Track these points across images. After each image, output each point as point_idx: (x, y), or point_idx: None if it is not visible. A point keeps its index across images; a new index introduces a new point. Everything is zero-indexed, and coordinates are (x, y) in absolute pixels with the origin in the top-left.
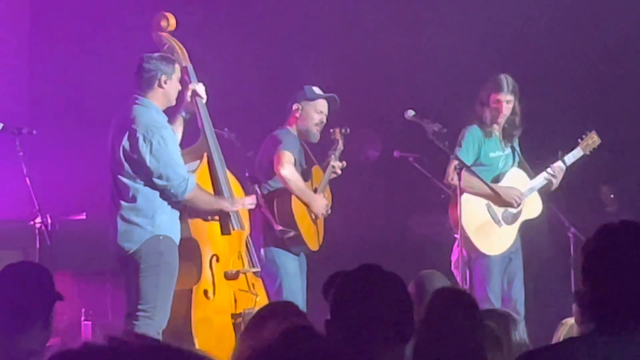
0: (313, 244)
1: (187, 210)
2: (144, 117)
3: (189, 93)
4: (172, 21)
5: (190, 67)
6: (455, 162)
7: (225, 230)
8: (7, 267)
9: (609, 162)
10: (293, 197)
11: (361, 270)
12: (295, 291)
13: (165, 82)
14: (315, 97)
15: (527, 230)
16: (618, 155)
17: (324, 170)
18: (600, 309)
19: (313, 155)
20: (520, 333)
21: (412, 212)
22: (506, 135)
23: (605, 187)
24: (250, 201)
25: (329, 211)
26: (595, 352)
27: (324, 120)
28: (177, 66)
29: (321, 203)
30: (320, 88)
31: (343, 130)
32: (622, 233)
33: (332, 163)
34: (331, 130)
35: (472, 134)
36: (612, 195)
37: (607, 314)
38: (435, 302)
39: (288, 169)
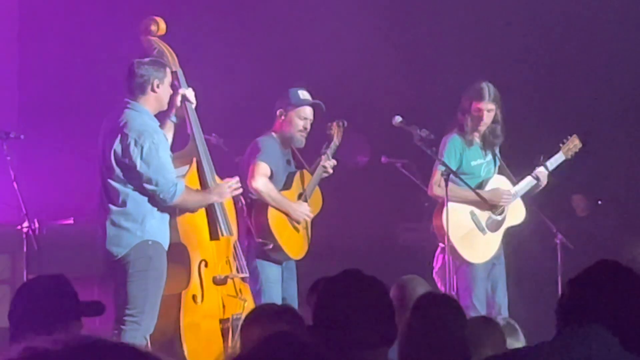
0: (295, 252)
1: (176, 215)
2: (136, 122)
3: (179, 98)
4: (162, 25)
5: (180, 71)
6: (440, 171)
7: (214, 235)
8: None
9: (589, 166)
10: (270, 208)
11: (342, 276)
12: (274, 298)
13: (157, 87)
14: (299, 104)
15: (514, 237)
16: (599, 160)
17: (314, 171)
18: (563, 315)
19: (303, 155)
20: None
21: (399, 218)
22: (487, 143)
23: (578, 195)
24: (234, 182)
25: (315, 212)
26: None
27: (308, 127)
28: (168, 70)
29: (300, 209)
30: (308, 90)
31: (341, 124)
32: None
33: (322, 163)
34: (328, 124)
35: (453, 143)
36: (585, 202)
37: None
38: (420, 305)
39: (260, 181)
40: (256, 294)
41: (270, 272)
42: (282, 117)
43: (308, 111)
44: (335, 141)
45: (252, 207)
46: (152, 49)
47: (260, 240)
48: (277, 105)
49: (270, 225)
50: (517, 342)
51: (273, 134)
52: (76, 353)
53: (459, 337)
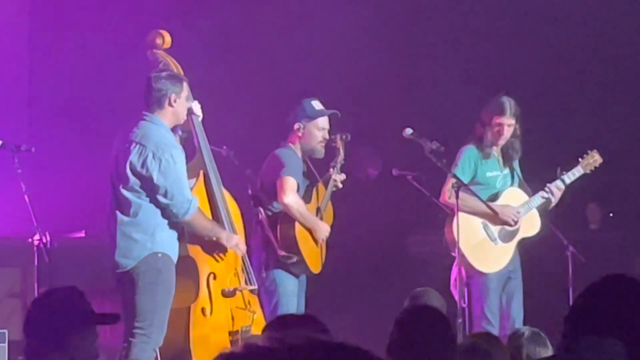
0: (315, 266)
1: (185, 229)
2: (154, 134)
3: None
4: (167, 39)
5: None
6: (452, 181)
7: (222, 247)
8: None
9: (601, 179)
10: (296, 222)
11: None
12: (291, 311)
13: (174, 101)
14: (316, 115)
15: (525, 249)
16: (611, 174)
17: (325, 185)
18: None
19: (314, 166)
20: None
21: (411, 230)
22: (505, 157)
23: (592, 205)
24: (243, 248)
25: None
26: None
27: (327, 136)
28: (185, 84)
29: (324, 228)
30: (319, 100)
31: (344, 137)
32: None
33: (333, 177)
34: (332, 137)
35: (468, 153)
36: (599, 214)
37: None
38: (405, 320)
39: (291, 197)
40: (273, 307)
41: (289, 285)
42: (301, 131)
43: (325, 121)
44: (342, 154)
45: (276, 221)
46: (158, 62)
47: (283, 253)
48: (292, 118)
49: (297, 239)
50: (545, 350)
51: (291, 145)
52: (297, 352)
53: (443, 352)
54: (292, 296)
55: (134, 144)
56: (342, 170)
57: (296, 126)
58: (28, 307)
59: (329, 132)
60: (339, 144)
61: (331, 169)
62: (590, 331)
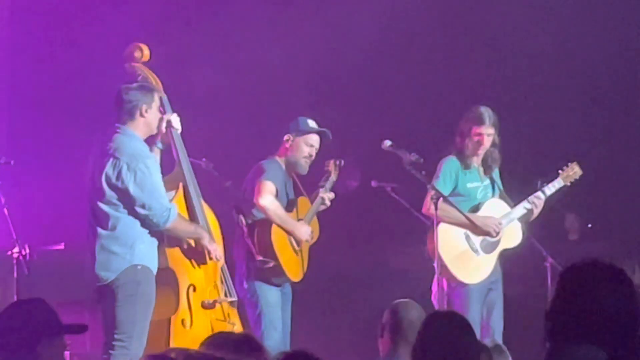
0: (294, 274)
1: (165, 240)
2: (127, 146)
3: (164, 124)
4: (146, 52)
5: (164, 97)
6: (432, 192)
7: (201, 259)
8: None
9: (581, 190)
10: (273, 227)
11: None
12: (275, 321)
13: (146, 111)
14: (307, 130)
15: (504, 260)
16: (590, 185)
17: (312, 201)
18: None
19: (303, 184)
20: None
21: (390, 242)
22: (485, 167)
23: (571, 215)
24: (221, 255)
25: (313, 239)
26: None
27: (313, 154)
28: (156, 95)
29: (303, 230)
30: (316, 121)
31: (337, 162)
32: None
33: (321, 194)
34: (325, 162)
35: (449, 165)
36: (579, 224)
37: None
38: (429, 325)
39: (267, 199)
40: (256, 318)
41: (270, 296)
42: (289, 143)
43: (315, 139)
44: (333, 177)
45: (254, 227)
46: (136, 75)
47: (260, 258)
48: (284, 131)
49: (273, 243)
50: None
51: (277, 158)
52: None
53: (471, 354)
54: (274, 306)
55: (107, 157)
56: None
57: (286, 137)
58: None
59: (317, 152)
60: (332, 168)
61: (320, 188)
62: (569, 335)
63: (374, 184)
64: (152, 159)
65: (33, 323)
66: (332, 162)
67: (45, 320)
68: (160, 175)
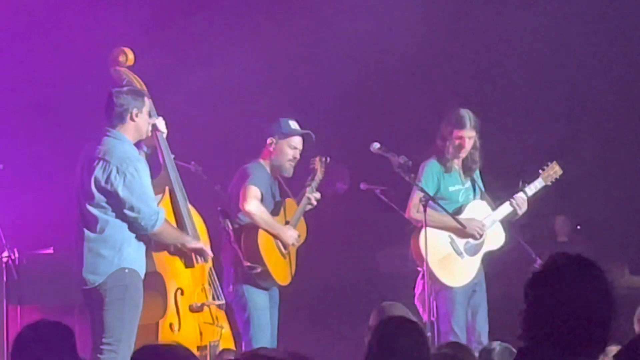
0: (282, 278)
1: (152, 244)
2: (117, 150)
3: (150, 128)
4: (131, 56)
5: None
6: (420, 195)
7: (188, 263)
8: (27, 327)
9: (569, 191)
10: (260, 232)
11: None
12: (264, 325)
13: (136, 116)
14: (290, 133)
15: (493, 262)
16: (579, 186)
17: (299, 202)
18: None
19: (289, 184)
20: None
21: (379, 244)
22: (465, 169)
23: (561, 217)
24: (208, 253)
25: (300, 241)
26: None
27: (297, 156)
28: (147, 99)
29: (290, 233)
30: (297, 122)
31: (323, 159)
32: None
33: (307, 194)
34: (311, 159)
35: (431, 168)
36: (568, 226)
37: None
38: (382, 331)
39: (252, 204)
40: (245, 321)
41: (258, 299)
42: (273, 146)
43: (298, 141)
44: (319, 175)
45: (240, 232)
46: (121, 79)
47: (248, 264)
48: (266, 134)
49: (260, 249)
50: None
51: (261, 161)
52: None
53: None
54: (263, 310)
55: (97, 160)
56: (316, 190)
57: (269, 141)
58: (13, 340)
59: (301, 153)
60: (317, 165)
61: (306, 188)
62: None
63: (363, 186)
64: (142, 163)
65: (51, 350)
66: (317, 159)
67: (63, 347)
68: (149, 179)
